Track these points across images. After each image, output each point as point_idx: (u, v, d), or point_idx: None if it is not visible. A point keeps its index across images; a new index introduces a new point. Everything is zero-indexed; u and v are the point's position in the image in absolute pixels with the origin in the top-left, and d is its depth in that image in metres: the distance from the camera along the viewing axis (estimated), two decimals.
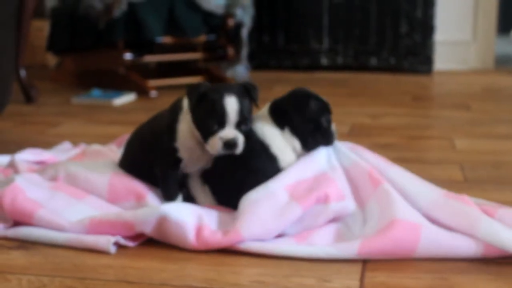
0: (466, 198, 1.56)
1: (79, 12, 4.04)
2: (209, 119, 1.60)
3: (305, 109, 1.72)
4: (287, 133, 1.71)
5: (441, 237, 1.45)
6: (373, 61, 4.90)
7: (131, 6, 3.84)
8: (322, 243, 1.49)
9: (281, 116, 1.72)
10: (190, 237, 1.48)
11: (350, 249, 1.43)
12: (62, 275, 1.38)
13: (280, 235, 1.53)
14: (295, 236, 1.53)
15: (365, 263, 1.41)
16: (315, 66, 4.98)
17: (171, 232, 1.49)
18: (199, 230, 1.50)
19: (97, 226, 1.54)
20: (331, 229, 1.56)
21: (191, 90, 1.62)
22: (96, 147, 2.13)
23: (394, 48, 4.86)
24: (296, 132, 1.71)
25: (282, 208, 1.55)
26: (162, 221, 1.49)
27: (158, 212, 1.49)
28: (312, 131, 1.72)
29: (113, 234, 1.52)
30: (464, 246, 1.43)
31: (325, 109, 1.74)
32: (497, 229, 1.42)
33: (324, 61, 4.97)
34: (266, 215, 1.53)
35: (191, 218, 1.51)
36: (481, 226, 1.44)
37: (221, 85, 1.66)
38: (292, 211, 1.54)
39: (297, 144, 1.72)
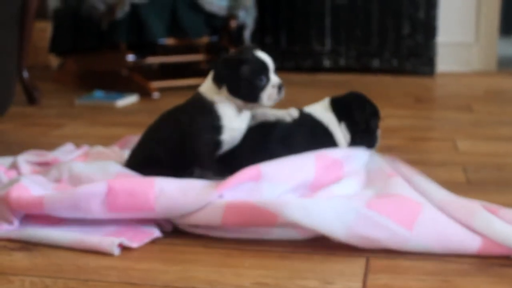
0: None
1: (81, 13, 4.05)
2: (256, 77, 1.77)
3: (363, 109, 1.89)
4: (342, 127, 1.88)
5: (440, 218, 1.48)
6: (375, 62, 4.90)
7: (133, 7, 3.85)
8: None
9: (342, 110, 1.89)
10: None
11: (358, 203, 1.49)
12: (64, 276, 1.38)
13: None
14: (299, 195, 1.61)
15: (368, 264, 1.42)
16: (317, 68, 4.98)
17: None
18: None
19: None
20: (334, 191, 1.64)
21: (222, 65, 1.78)
22: (98, 148, 2.14)
23: (396, 50, 4.86)
24: (351, 128, 1.88)
25: (301, 166, 1.66)
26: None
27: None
28: (362, 131, 1.90)
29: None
30: (460, 236, 1.45)
31: (376, 114, 1.93)
32: (492, 221, 1.45)
33: (326, 62, 4.97)
34: (286, 165, 1.65)
35: None
36: (477, 217, 1.47)
37: (239, 51, 1.84)
38: (308, 172, 1.65)
39: (348, 138, 1.89)
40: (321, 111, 1.90)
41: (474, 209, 1.50)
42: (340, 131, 1.87)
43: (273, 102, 1.80)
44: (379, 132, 1.96)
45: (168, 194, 1.56)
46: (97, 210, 1.57)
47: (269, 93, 1.78)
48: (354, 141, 1.88)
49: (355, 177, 1.71)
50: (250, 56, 1.78)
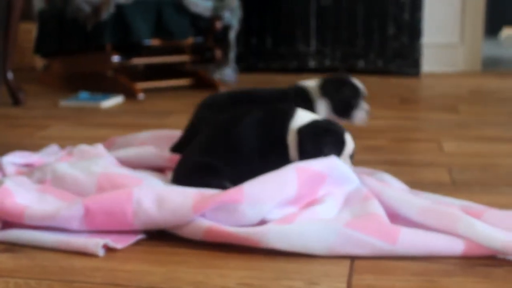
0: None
1: (66, 14, 4.04)
2: (353, 99, 2.22)
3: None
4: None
5: (421, 235, 1.48)
6: (361, 63, 4.92)
7: (119, 8, 3.84)
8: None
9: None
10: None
11: (336, 224, 1.48)
12: (49, 278, 1.37)
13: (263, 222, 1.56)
14: (280, 219, 1.55)
15: (353, 265, 1.42)
16: (303, 69, 4.99)
17: None
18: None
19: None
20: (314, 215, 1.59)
21: (332, 86, 2.22)
22: (82, 147, 2.13)
23: (382, 51, 4.88)
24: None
25: (285, 182, 1.60)
26: None
27: None
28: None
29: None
30: (444, 241, 1.46)
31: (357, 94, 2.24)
32: (476, 225, 1.46)
33: (312, 63, 4.98)
34: (269, 182, 1.59)
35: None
36: (461, 223, 1.48)
37: (337, 76, 2.30)
38: (290, 188, 1.60)
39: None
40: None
41: (456, 216, 1.50)
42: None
43: (362, 123, 2.24)
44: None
45: (145, 209, 1.55)
46: (77, 228, 1.57)
47: (361, 114, 2.23)
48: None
49: (335, 197, 1.69)
50: (350, 81, 2.23)
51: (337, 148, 1.76)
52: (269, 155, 1.77)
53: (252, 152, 1.77)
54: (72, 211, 1.56)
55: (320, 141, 1.74)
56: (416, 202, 1.60)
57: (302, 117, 1.81)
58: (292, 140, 1.77)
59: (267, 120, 1.82)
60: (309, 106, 2.16)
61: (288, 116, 1.81)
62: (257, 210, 1.54)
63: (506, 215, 1.55)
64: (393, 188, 1.75)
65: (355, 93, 2.24)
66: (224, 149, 1.79)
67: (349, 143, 1.79)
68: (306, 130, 1.76)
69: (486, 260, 1.44)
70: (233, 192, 1.55)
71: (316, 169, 1.65)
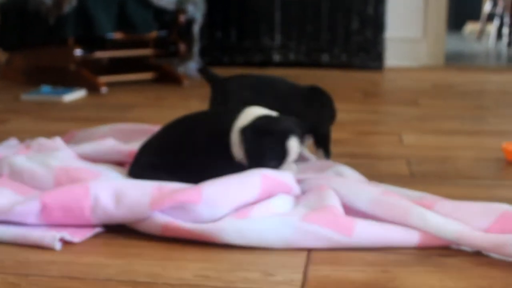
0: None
1: (28, 7, 4.00)
2: None
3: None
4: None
5: (376, 227, 1.49)
6: (325, 57, 4.93)
7: (81, 1, 3.82)
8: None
9: None
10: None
11: (293, 218, 1.49)
12: (4, 271, 1.36)
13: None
14: (235, 213, 1.54)
15: (309, 256, 1.43)
16: (267, 63, 4.99)
17: None
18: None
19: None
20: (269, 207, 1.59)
21: None
22: (40, 140, 2.11)
23: (346, 45, 4.90)
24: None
25: (247, 188, 1.60)
26: None
27: None
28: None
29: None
30: (399, 233, 1.48)
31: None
32: (427, 216, 1.49)
33: (276, 57, 4.99)
34: (231, 185, 1.58)
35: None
36: (412, 214, 1.50)
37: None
38: (251, 194, 1.59)
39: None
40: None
41: (407, 206, 1.53)
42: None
43: None
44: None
45: (102, 204, 1.54)
46: (34, 222, 1.56)
47: None
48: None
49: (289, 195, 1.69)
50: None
51: (277, 151, 1.73)
52: (216, 155, 1.77)
53: (200, 152, 1.77)
54: (29, 206, 1.55)
55: (261, 142, 1.72)
56: (367, 193, 1.61)
57: (248, 115, 1.78)
58: (235, 139, 1.75)
59: (214, 119, 1.82)
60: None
61: (234, 114, 1.79)
62: (213, 212, 1.53)
63: (457, 206, 1.57)
64: (348, 180, 1.76)
65: None
66: (174, 149, 1.79)
67: (292, 148, 1.74)
68: (246, 129, 1.72)
69: (441, 251, 1.46)
70: (191, 192, 1.54)
71: (282, 180, 1.66)
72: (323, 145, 2.10)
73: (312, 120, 2.05)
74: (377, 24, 4.83)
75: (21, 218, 1.55)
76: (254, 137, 1.71)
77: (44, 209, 1.54)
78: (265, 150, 1.72)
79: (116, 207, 1.54)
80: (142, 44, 4.30)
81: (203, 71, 2.13)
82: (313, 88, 2.13)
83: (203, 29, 4.61)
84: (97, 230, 1.56)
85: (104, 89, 3.81)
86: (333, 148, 2.16)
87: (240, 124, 1.75)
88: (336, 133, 2.20)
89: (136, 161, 1.83)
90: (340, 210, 1.56)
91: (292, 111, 1.99)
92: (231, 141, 1.75)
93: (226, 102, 2.06)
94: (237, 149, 1.74)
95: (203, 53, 4.76)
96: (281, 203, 1.60)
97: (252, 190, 1.59)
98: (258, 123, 1.73)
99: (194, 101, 3.55)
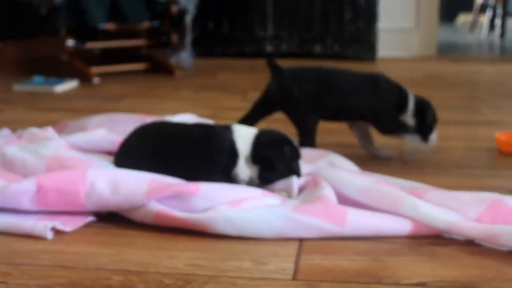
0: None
1: None
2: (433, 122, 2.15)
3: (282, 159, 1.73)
4: (254, 168, 1.72)
5: (368, 216, 1.50)
6: (317, 48, 4.93)
7: None
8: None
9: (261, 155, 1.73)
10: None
11: (284, 209, 1.49)
12: None
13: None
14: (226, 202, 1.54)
15: (301, 245, 1.43)
16: (260, 53, 4.98)
17: None
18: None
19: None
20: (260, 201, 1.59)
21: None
22: (32, 130, 2.11)
23: (338, 35, 4.89)
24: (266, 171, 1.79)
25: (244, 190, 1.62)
26: None
27: None
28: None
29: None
30: (391, 221, 1.49)
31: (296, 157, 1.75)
32: (418, 205, 1.50)
33: (268, 48, 4.98)
34: (227, 189, 1.60)
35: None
36: (404, 204, 1.51)
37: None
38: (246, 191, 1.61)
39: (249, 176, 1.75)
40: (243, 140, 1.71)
41: (399, 195, 1.54)
42: (244, 167, 1.69)
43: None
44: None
45: (99, 191, 1.54)
46: (27, 206, 1.56)
47: (434, 136, 2.14)
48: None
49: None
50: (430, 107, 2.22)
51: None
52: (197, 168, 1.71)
53: (180, 163, 1.71)
54: (24, 186, 1.55)
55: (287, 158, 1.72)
56: (358, 182, 1.62)
57: (244, 136, 1.72)
58: (246, 161, 1.69)
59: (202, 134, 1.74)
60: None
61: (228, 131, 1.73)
62: (208, 206, 1.53)
63: (448, 195, 1.58)
64: (339, 169, 1.77)
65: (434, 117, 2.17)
66: (155, 156, 1.74)
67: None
68: (282, 146, 1.71)
69: (432, 239, 1.46)
70: (190, 185, 1.56)
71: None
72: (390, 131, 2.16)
73: (376, 107, 2.11)
74: (369, 14, 4.82)
75: (15, 200, 1.55)
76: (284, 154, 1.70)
77: (39, 190, 1.54)
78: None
79: (111, 194, 1.54)
80: (134, 34, 4.28)
81: (269, 60, 2.09)
82: (374, 76, 2.20)
83: (195, 20, 4.59)
84: (89, 219, 1.56)
85: (96, 80, 3.80)
86: (325, 138, 2.16)
87: (243, 146, 1.70)
88: (326, 124, 2.20)
89: (117, 160, 1.81)
90: (333, 199, 1.56)
91: (359, 100, 2.09)
92: (239, 163, 1.69)
93: (288, 92, 2.06)
94: (246, 170, 1.70)
95: (195, 43, 4.75)
96: (272, 197, 1.61)
97: (252, 190, 1.62)
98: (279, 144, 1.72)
99: (186, 91, 3.55)
